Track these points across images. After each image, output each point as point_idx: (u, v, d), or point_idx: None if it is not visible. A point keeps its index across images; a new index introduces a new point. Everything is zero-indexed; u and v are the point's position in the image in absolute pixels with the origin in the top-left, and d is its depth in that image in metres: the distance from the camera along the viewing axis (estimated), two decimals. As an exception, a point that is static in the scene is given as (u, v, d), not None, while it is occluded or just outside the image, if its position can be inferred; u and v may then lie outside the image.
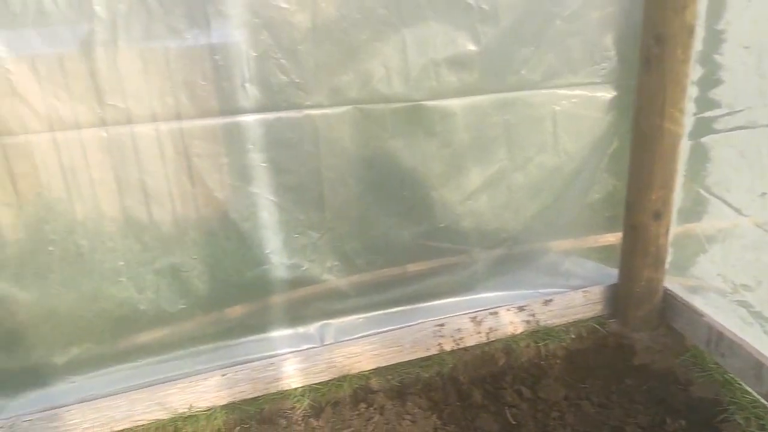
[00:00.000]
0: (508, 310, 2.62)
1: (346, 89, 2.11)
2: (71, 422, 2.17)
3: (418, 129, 2.24)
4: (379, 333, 2.49)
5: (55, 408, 2.18)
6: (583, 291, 2.69)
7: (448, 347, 2.56)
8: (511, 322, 2.62)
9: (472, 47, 2.18)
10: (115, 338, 2.22)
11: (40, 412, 2.16)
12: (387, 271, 2.49)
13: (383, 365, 2.49)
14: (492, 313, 2.60)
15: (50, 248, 2.05)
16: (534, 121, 2.38)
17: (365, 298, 2.48)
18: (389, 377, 2.46)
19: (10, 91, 1.86)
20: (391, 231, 2.39)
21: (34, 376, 2.18)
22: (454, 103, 2.25)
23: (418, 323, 2.53)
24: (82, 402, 2.20)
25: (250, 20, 1.95)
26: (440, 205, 2.40)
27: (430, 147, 2.29)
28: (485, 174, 2.41)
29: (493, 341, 2.60)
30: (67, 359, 2.18)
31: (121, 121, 1.97)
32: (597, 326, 2.66)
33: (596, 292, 2.71)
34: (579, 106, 2.39)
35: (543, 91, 2.33)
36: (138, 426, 2.23)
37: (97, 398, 2.21)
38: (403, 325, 2.52)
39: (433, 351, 2.55)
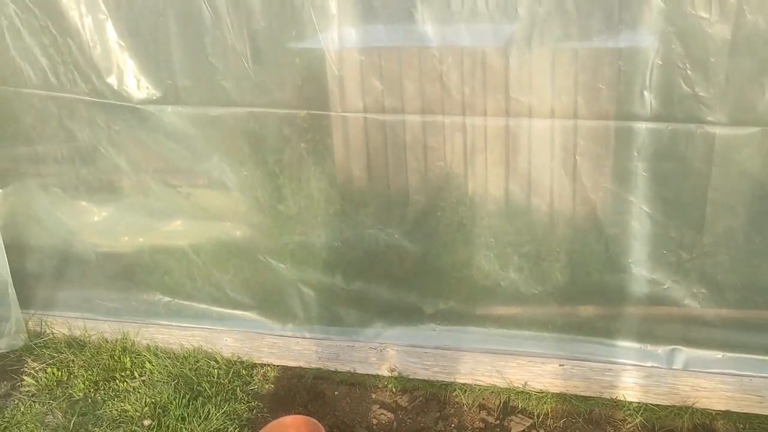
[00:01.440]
0: None
1: (757, 109, 1.92)
2: (426, 362, 2.54)
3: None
4: (738, 375, 2.27)
5: (416, 347, 2.57)
6: None
7: (824, 418, 2.19)
8: None
9: None
10: (474, 303, 2.50)
11: (405, 346, 2.58)
12: (766, 313, 2.23)
13: (734, 410, 2.26)
14: None
15: (438, 213, 2.40)
16: None
17: (731, 335, 2.27)
18: (739, 425, 2.23)
19: (437, 78, 2.21)
20: (781, 272, 2.12)
21: (406, 316, 2.59)
22: None
23: (791, 380, 2.23)
24: (436, 348, 2.55)
25: (663, 28, 1.92)
26: None
27: None
28: None
29: None
30: (433, 310, 2.54)
31: (521, 114, 2.16)
32: None
33: None
34: None
35: None
36: (476, 385, 2.48)
37: (450, 349, 2.53)
38: (770, 376, 2.25)
39: (803, 416, 2.21)
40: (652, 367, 2.35)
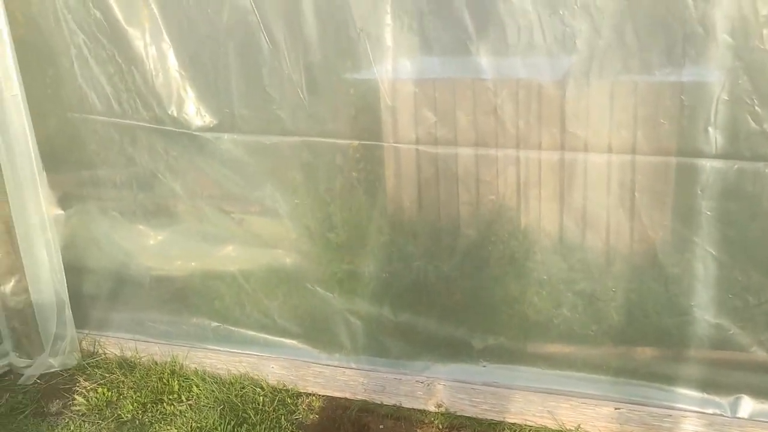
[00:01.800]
0: None
1: (831, 148, 1.83)
2: (474, 399, 2.47)
3: None
4: (810, 430, 2.13)
5: (464, 382, 2.50)
6: None
7: None
8: None
9: None
10: (525, 340, 2.43)
11: (453, 381, 2.51)
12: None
13: (805, 467, 2.12)
14: None
15: (489, 247, 2.35)
16: None
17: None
18: (810, 484, 2.09)
19: (491, 110, 2.18)
20: None
21: (455, 351, 2.53)
22: None
23: None
24: (485, 385, 2.48)
25: (730, 63, 1.85)
26: None
27: None
28: None
29: None
30: (483, 345, 2.48)
31: (577, 149, 2.12)
32: None
33: None
34: None
35: None
36: (526, 425, 2.40)
37: (500, 386, 2.46)
38: None
39: None
40: (714, 414, 2.22)
